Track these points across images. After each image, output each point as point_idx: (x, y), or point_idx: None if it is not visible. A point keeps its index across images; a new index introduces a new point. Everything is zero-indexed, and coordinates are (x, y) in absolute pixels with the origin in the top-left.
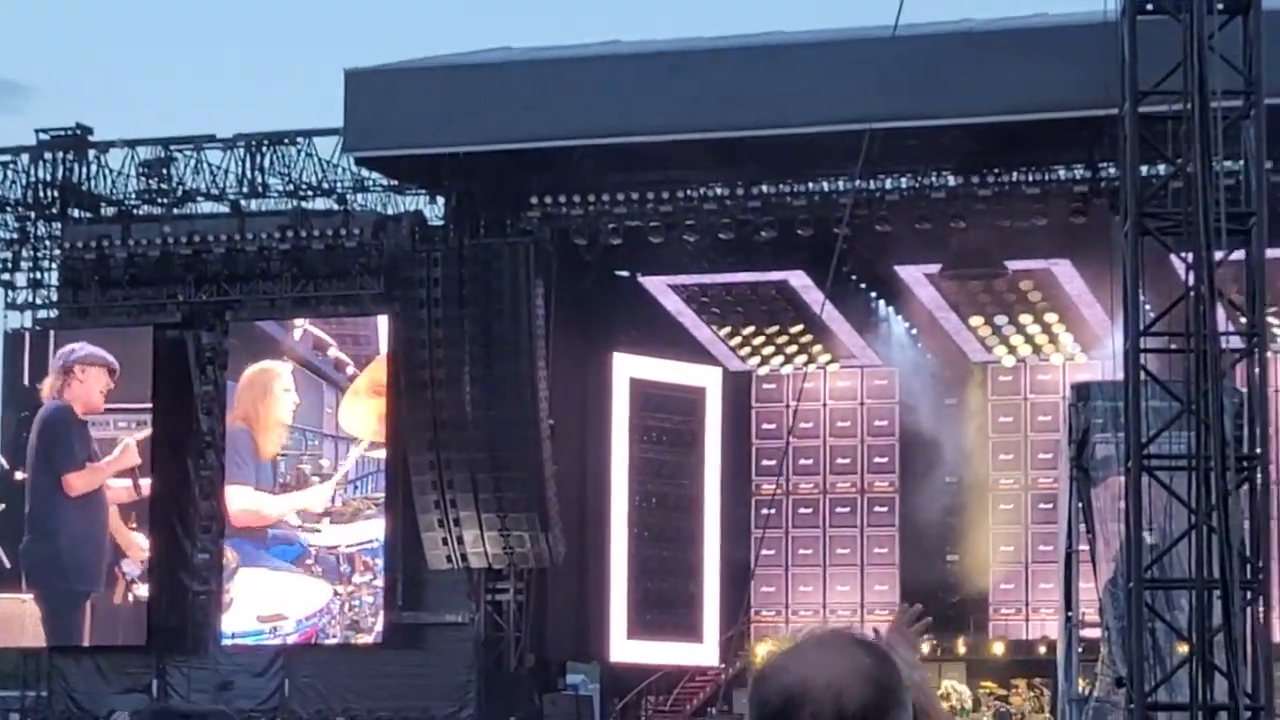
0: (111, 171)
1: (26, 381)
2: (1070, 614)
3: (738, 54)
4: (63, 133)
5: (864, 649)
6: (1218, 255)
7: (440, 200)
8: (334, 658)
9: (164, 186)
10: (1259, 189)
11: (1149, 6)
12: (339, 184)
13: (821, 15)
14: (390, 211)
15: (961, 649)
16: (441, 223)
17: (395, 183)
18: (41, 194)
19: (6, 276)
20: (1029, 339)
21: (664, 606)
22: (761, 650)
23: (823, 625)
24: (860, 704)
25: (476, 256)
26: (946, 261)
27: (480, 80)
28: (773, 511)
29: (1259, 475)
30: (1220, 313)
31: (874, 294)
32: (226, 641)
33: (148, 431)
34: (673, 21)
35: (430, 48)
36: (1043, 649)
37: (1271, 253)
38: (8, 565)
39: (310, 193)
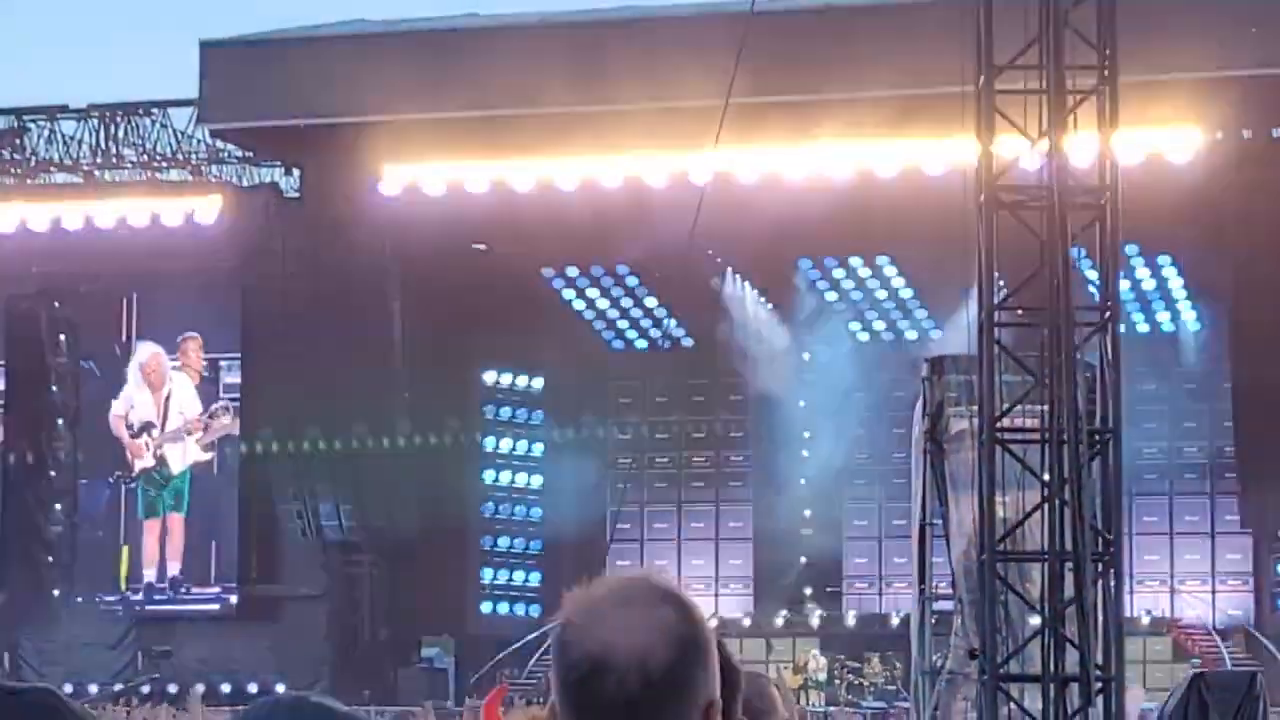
0: None
1: None
2: (923, 586)
3: (600, 27)
4: None
5: (666, 602)
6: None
7: (296, 172)
8: (187, 630)
9: (17, 157)
10: (1111, 162)
11: None
12: (194, 156)
13: None
14: (245, 184)
15: (814, 622)
16: (298, 195)
17: (251, 154)
18: None
19: None
20: (883, 314)
21: (521, 581)
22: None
23: (623, 576)
24: (665, 665)
25: (333, 228)
26: (806, 240)
27: (336, 52)
28: (629, 485)
29: (1111, 448)
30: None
31: (730, 269)
32: None
33: None
34: None
35: (286, 19)
36: (895, 622)
37: None
38: None
39: (165, 164)
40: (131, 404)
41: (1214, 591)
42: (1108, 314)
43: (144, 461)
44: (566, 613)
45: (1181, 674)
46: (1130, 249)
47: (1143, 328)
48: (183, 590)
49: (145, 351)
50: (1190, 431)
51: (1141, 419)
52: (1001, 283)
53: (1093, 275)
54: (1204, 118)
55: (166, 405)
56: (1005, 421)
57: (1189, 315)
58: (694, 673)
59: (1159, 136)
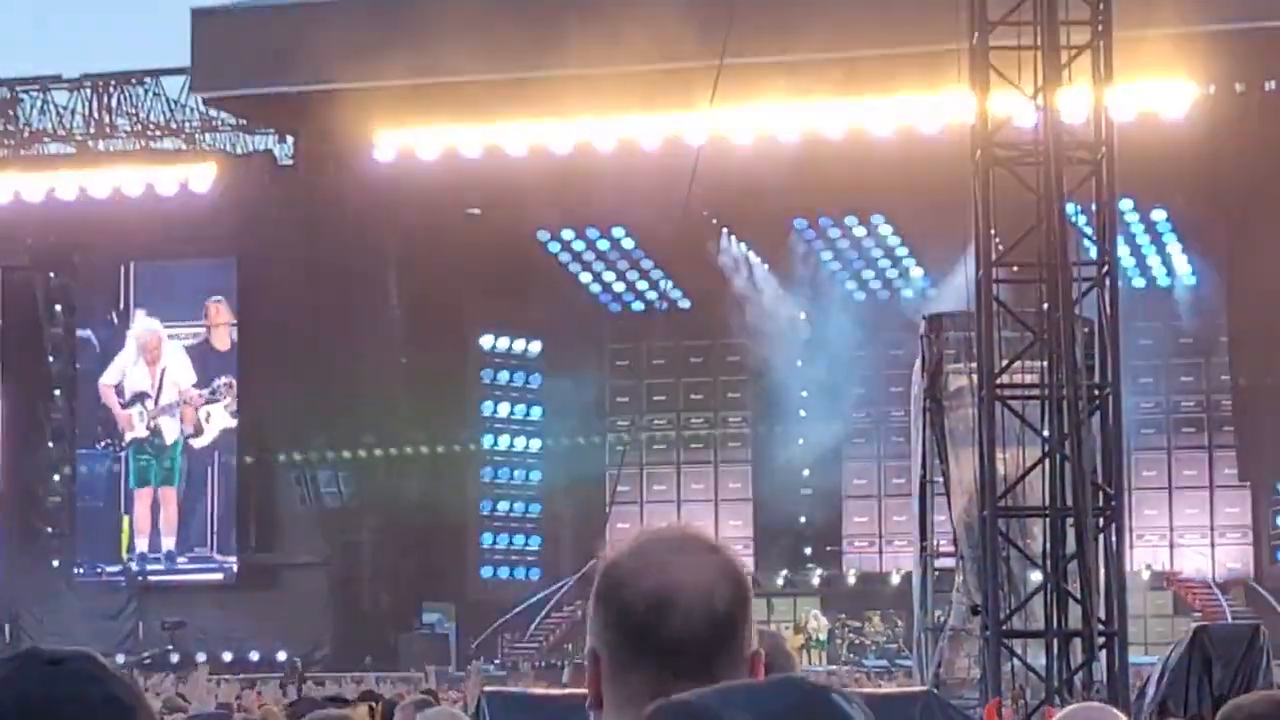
0: None
1: None
2: (925, 544)
3: None
4: None
5: (715, 551)
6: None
7: (290, 139)
8: (188, 599)
9: (10, 128)
10: (1106, 117)
11: None
12: (187, 124)
13: None
14: (239, 151)
15: (815, 581)
16: (291, 162)
17: (244, 122)
18: None
19: None
20: (879, 273)
21: (520, 545)
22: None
23: (664, 528)
24: (727, 607)
25: (328, 195)
26: (805, 200)
27: (328, 18)
28: (628, 448)
29: (1110, 403)
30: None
31: (725, 230)
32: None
33: None
34: None
35: None
36: (895, 580)
37: None
38: None
39: (158, 133)
40: (123, 373)
41: (1213, 545)
42: (1105, 269)
43: (135, 432)
44: (612, 557)
45: (1182, 628)
46: (1124, 204)
47: (1138, 282)
48: (180, 561)
49: (142, 325)
50: (1187, 385)
51: (1138, 373)
52: (997, 239)
53: (1088, 230)
54: (1197, 71)
55: (161, 378)
56: (1004, 378)
57: (1184, 269)
58: (745, 621)
59: (1152, 91)
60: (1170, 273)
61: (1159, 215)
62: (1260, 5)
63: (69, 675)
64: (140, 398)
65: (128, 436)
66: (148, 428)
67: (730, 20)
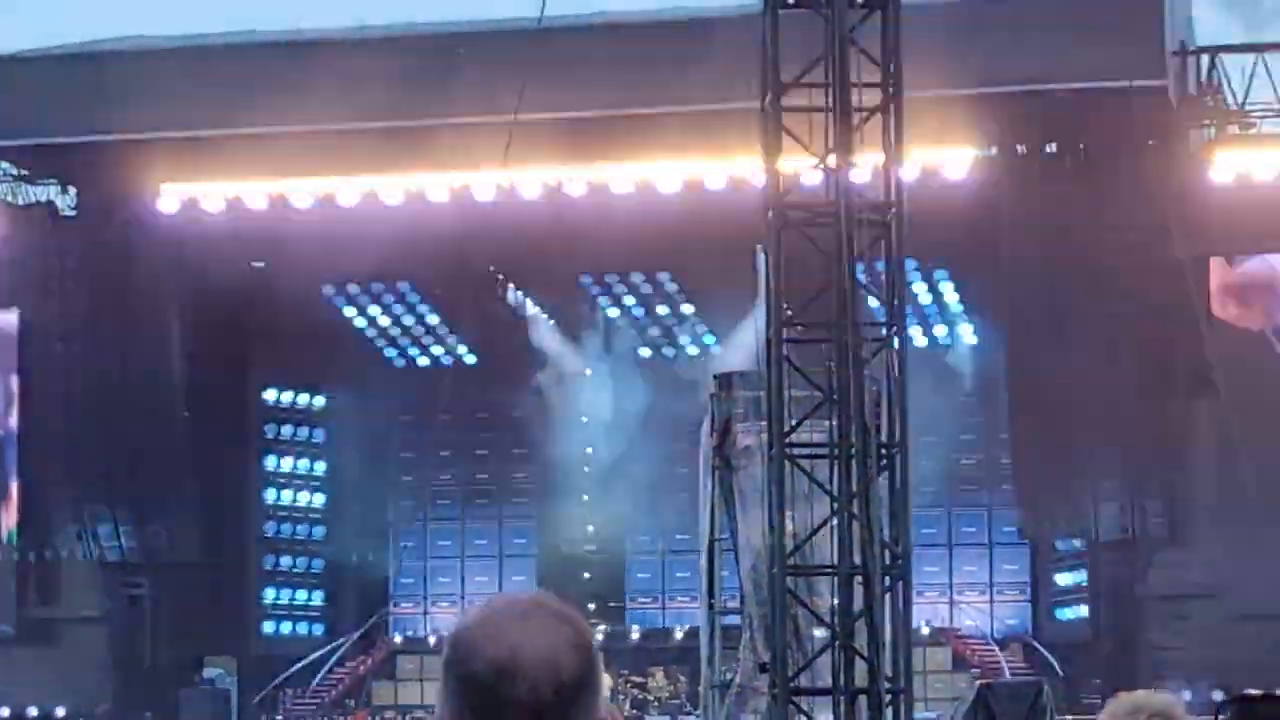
0: None
1: None
2: (712, 601)
3: (391, 43)
4: None
5: (563, 619)
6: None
7: (72, 190)
8: None
9: None
10: (896, 179)
11: (791, 0)
12: None
13: (463, 6)
14: (21, 202)
15: (598, 637)
16: (74, 213)
17: (26, 172)
18: None
19: None
20: (665, 330)
21: (303, 600)
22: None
23: (515, 594)
24: (573, 673)
25: (111, 247)
26: (591, 257)
27: (111, 68)
28: (412, 503)
29: (898, 462)
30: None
31: (512, 285)
32: None
33: None
34: (330, 8)
35: (60, 36)
36: (678, 636)
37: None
38: None
39: None
40: None
41: (992, 601)
42: (893, 329)
43: None
44: (461, 624)
45: (961, 683)
46: (908, 264)
47: (920, 341)
48: None
49: None
50: (968, 443)
51: (919, 431)
52: (785, 302)
53: (875, 291)
54: (978, 134)
55: None
56: (794, 437)
57: (965, 329)
58: (592, 688)
59: (934, 153)
60: (951, 332)
61: (941, 275)
62: (1041, 69)
63: None
64: None
65: None
66: None
67: (523, 80)
